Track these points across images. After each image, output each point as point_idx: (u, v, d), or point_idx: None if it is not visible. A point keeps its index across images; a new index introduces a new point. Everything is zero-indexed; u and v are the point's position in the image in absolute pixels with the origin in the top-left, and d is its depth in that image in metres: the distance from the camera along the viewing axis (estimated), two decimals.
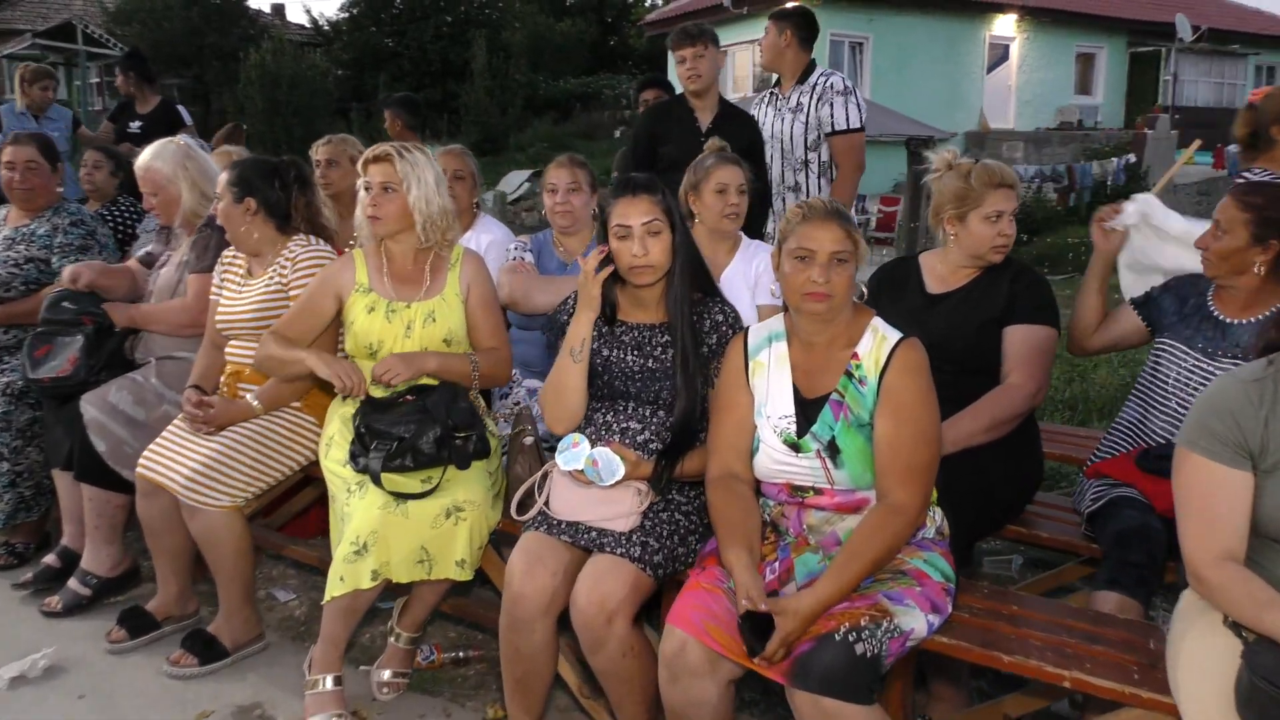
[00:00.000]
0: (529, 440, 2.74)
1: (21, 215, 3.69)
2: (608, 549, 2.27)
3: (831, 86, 4.30)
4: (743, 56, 20.41)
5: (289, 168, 3.18)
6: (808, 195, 4.44)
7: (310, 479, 3.22)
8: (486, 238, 3.76)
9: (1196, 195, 16.78)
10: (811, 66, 4.41)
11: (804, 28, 4.41)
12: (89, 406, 3.12)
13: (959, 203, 2.66)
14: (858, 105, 4.30)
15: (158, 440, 3.02)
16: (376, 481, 2.58)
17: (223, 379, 3.12)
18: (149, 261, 3.59)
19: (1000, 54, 21.16)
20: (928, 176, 2.83)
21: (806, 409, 2.16)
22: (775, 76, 4.59)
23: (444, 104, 26.88)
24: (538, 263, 3.52)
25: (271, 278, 3.09)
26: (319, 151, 3.98)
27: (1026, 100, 21.35)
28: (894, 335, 2.12)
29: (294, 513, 3.62)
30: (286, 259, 3.09)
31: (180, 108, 6.55)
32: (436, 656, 2.98)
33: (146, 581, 3.40)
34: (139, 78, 6.29)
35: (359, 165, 2.80)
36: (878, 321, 2.16)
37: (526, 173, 19.03)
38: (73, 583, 3.23)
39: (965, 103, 20.57)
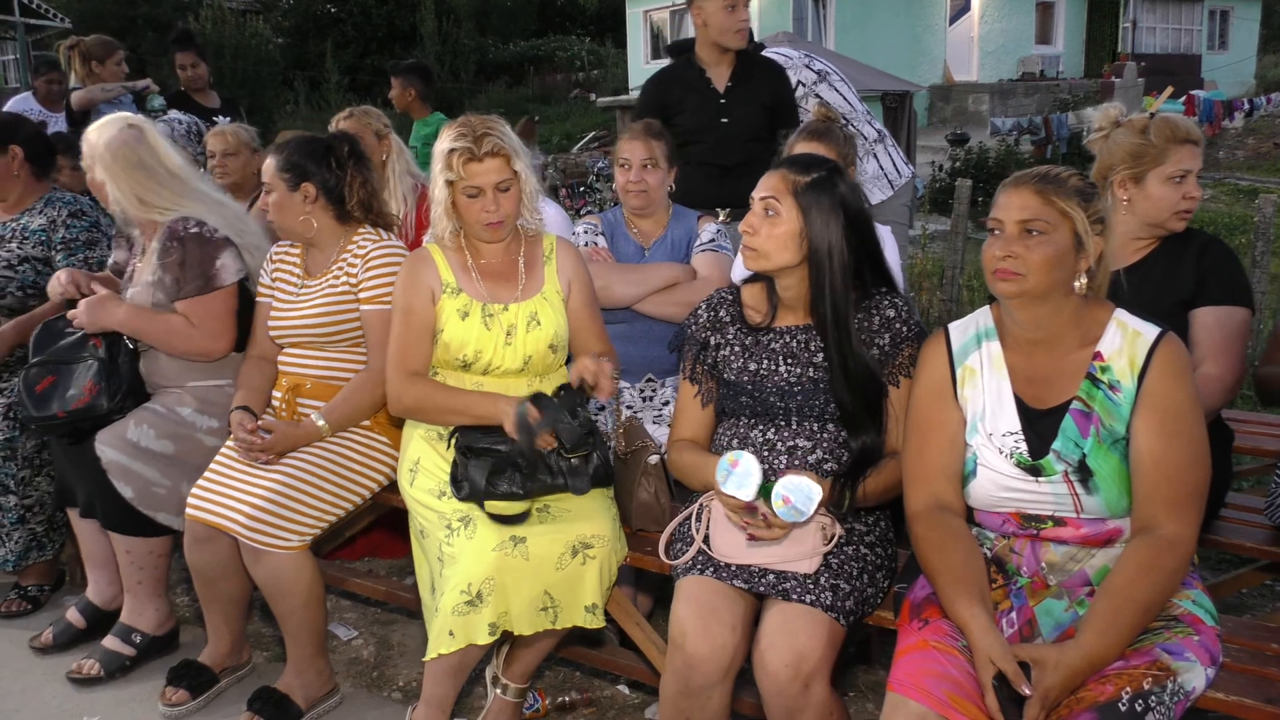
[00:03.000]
0: (654, 460, 2.38)
1: (6, 210, 3.19)
2: (794, 596, 1.92)
3: None
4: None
5: (342, 143, 2.75)
6: None
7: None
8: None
9: None
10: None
11: None
12: (106, 449, 2.67)
13: (1135, 161, 2.35)
14: None
15: (206, 476, 2.60)
16: (479, 504, 2.22)
17: (279, 395, 2.71)
18: (118, 273, 3.04)
19: (962, 5, 20.92)
20: (1089, 137, 2.51)
21: (1035, 423, 1.82)
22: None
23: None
24: (610, 247, 3.14)
25: (337, 277, 2.68)
26: (340, 126, 3.54)
27: (989, 51, 21.17)
28: (1150, 330, 1.79)
29: (345, 538, 3.22)
30: (356, 255, 2.68)
31: (241, 109, 5.62)
32: (541, 704, 2.62)
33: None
34: (207, 66, 5.31)
35: (449, 162, 2.33)
36: (1123, 314, 1.82)
37: None
38: (112, 641, 2.79)
39: (929, 55, 20.31)
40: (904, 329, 2.10)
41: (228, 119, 5.14)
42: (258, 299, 2.80)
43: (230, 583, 2.64)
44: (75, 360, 2.79)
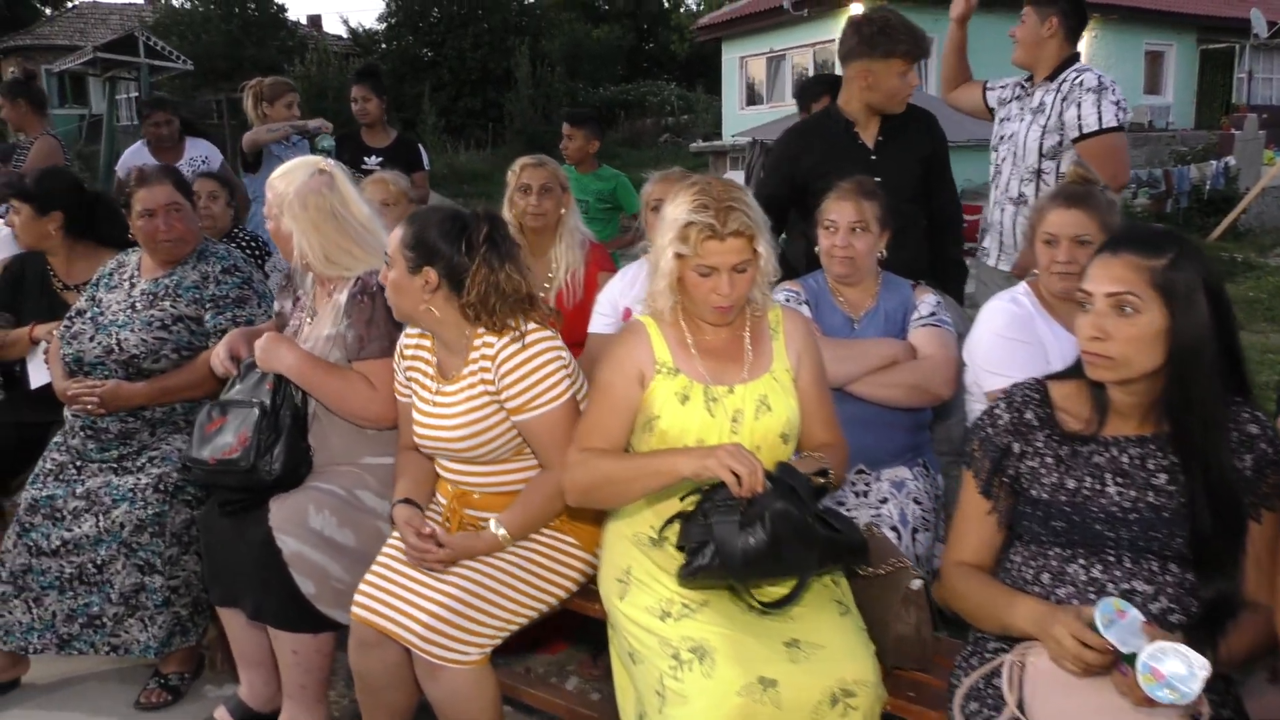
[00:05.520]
0: (916, 585, 2.00)
1: (159, 264, 2.96)
2: None
3: (1081, 84, 3.45)
4: (800, 59, 19.71)
5: (481, 225, 2.28)
6: None
7: None
8: None
9: None
10: (1069, 62, 3.63)
11: (1072, 15, 3.54)
12: (287, 539, 2.38)
13: None
14: (1115, 103, 3.48)
15: (374, 572, 2.31)
16: (739, 578, 1.89)
17: (446, 503, 2.39)
18: (281, 325, 2.78)
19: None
20: None
21: None
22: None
23: (484, 113, 26.32)
24: (815, 318, 2.80)
25: (473, 386, 2.29)
26: (526, 174, 3.28)
27: None
28: None
29: None
30: (487, 358, 2.28)
31: (420, 147, 5.43)
32: None
33: None
34: (381, 102, 5.19)
35: (684, 235, 2.02)
36: None
37: None
38: None
39: None
40: (1269, 450, 1.69)
41: (379, 160, 4.98)
42: (398, 397, 2.46)
43: (397, 693, 2.33)
44: (246, 404, 2.50)
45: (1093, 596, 1.69)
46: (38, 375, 3.08)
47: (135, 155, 5.11)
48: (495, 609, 2.24)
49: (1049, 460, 1.79)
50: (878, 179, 3.27)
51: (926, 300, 2.79)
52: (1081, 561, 1.73)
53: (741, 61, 21.15)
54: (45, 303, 3.20)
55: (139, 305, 2.88)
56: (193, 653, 2.91)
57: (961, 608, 1.86)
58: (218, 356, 2.64)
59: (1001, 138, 3.68)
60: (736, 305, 2.10)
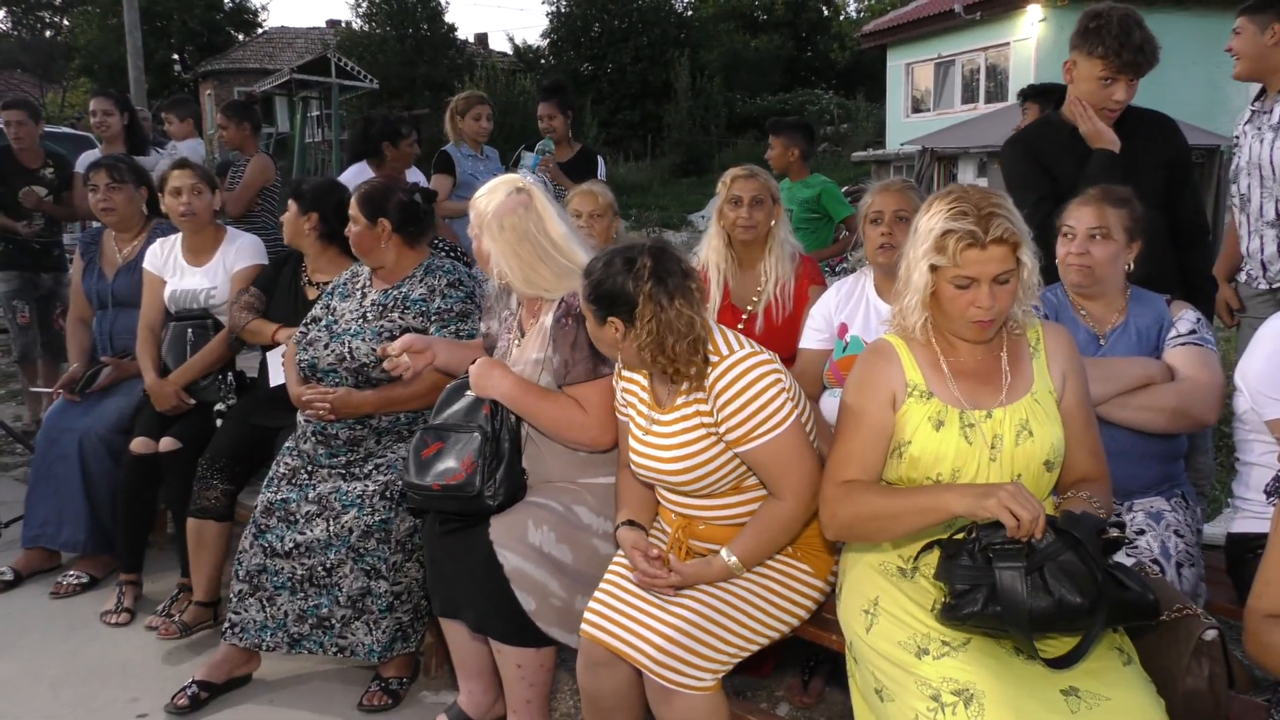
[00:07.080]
0: (1211, 635, 1.81)
1: (386, 278, 3.04)
2: None
3: None
4: (971, 65, 19.03)
5: (645, 257, 2.14)
6: None
7: None
8: None
9: None
10: None
11: None
12: (508, 554, 2.38)
13: None
14: None
15: (604, 590, 2.28)
16: (1015, 618, 1.72)
17: (671, 531, 2.31)
18: (489, 347, 2.78)
19: None
20: None
21: None
22: (1257, 88, 3.54)
23: (642, 125, 26.60)
24: None
25: (689, 418, 2.19)
26: (737, 186, 3.20)
27: None
28: None
29: None
30: (704, 390, 2.16)
31: (600, 158, 5.49)
32: None
33: None
34: (565, 118, 5.23)
35: (941, 245, 1.90)
36: None
37: None
38: None
39: (1228, 106, 18.25)
40: None
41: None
42: (618, 416, 2.42)
43: (626, 714, 2.29)
44: (465, 429, 2.52)
45: None
46: (276, 375, 3.24)
47: (359, 174, 5.27)
48: (729, 634, 2.18)
49: None
50: None
51: (1185, 317, 2.56)
52: None
53: (907, 68, 20.58)
54: (292, 291, 3.43)
55: (369, 315, 2.95)
56: (411, 658, 2.96)
57: (1275, 661, 1.66)
58: (392, 349, 2.66)
59: (1239, 165, 3.42)
60: (998, 320, 1.97)
